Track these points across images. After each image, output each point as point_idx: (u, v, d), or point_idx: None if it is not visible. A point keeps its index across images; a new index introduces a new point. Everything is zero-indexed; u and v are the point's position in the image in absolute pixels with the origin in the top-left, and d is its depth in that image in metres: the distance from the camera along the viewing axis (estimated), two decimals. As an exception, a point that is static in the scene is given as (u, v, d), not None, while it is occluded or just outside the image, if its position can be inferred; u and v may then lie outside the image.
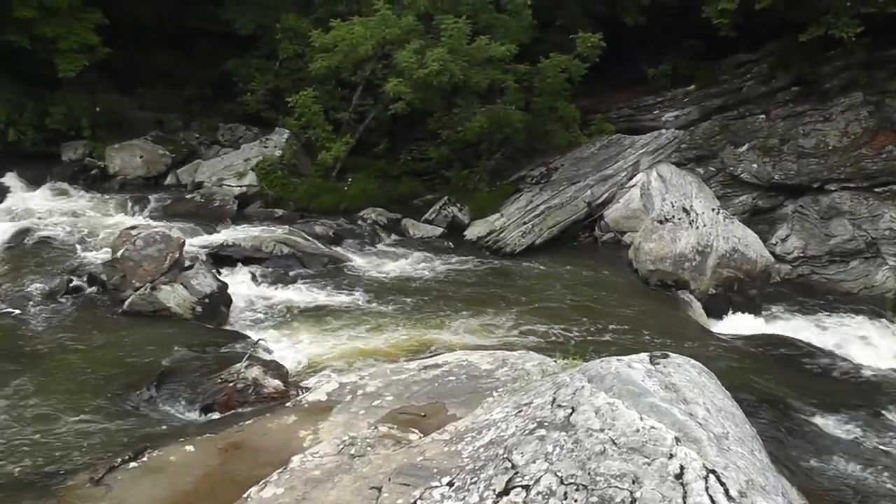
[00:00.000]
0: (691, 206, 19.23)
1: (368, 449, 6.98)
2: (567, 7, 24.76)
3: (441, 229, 21.11)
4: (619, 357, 6.73)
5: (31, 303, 14.68)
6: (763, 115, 21.96)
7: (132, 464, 8.19)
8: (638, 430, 5.70)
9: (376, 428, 7.64)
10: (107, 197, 22.04)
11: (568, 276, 18.54)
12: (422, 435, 7.38)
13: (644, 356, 6.73)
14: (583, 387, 6.30)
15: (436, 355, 10.89)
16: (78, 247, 17.81)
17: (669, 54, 24.09)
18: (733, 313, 17.51)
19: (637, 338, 14.78)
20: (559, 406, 6.21)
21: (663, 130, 22.46)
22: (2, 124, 23.95)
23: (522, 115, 21.71)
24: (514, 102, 21.80)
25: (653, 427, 5.70)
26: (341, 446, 7.06)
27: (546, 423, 6.06)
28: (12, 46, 22.71)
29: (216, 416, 10.49)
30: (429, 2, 21.68)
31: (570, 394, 6.30)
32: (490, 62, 21.32)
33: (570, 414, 6.05)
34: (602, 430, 5.77)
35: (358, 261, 18.66)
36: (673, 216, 18.92)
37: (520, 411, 6.48)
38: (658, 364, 6.56)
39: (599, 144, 22.44)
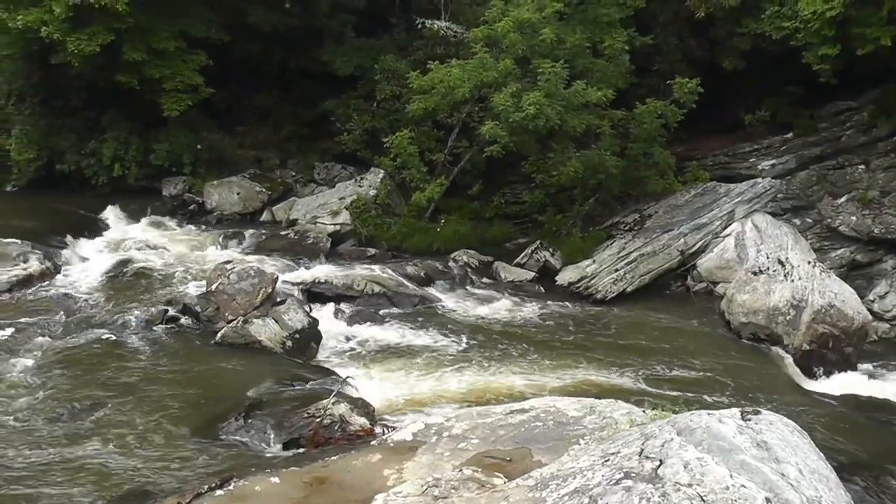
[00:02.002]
0: (787, 258, 18.73)
1: (452, 491, 6.95)
2: (666, 52, 24.70)
3: (532, 273, 21.02)
4: (709, 411, 6.62)
5: (128, 330, 15.08)
6: (863, 166, 21.51)
7: (218, 491, 8.31)
8: (727, 488, 5.58)
9: (461, 470, 7.61)
10: (203, 231, 22.62)
11: (659, 325, 18.27)
12: (506, 480, 7.32)
13: (735, 411, 6.60)
14: (672, 439, 6.20)
15: (523, 400, 10.83)
16: (174, 278, 18.20)
17: (767, 100, 23.78)
18: (828, 371, 16.94)
19: (727, 391, 14.43)
20: (647, 457, 6.11)
21: (759, 179, 22.04)
22: (108, 160, 24.97)
23: (617, 161, 21.57)
24: (609, 148, 21.70)
25: (743, 485, 5.58)
26: (425, 487, 7.05)
27: (633, 474, 5.96)
28: (121, 87, 23.56)
29: (301, 450, 10.59)
30: (527, 46, 21.74)
31: (658, 446, 6.20)
32: (586, 107, 21.28)
33: (658, 466, 5.95)
34: (690, 486, 5.66)
35: (448, 302, 18.68)
36: (768, 268, 18.46)
37: (606, 460, 6.39)
38: (749, 420, 6.43)
39: (694, 192, 22.16)
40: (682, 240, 20.80)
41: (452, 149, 23.62)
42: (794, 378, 16.47)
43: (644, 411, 8.70)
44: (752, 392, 14.57)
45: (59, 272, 18.27)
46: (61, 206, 23.70)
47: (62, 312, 15.98)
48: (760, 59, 23.06)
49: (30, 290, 17.14)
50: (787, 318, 17.35)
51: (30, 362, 13.59)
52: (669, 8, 25.05)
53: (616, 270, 20.28)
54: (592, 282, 20.16)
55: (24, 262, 17.92)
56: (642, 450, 6.26)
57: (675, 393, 13.87)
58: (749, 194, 21.43)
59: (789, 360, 17.01)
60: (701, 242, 20.80)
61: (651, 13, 24.94)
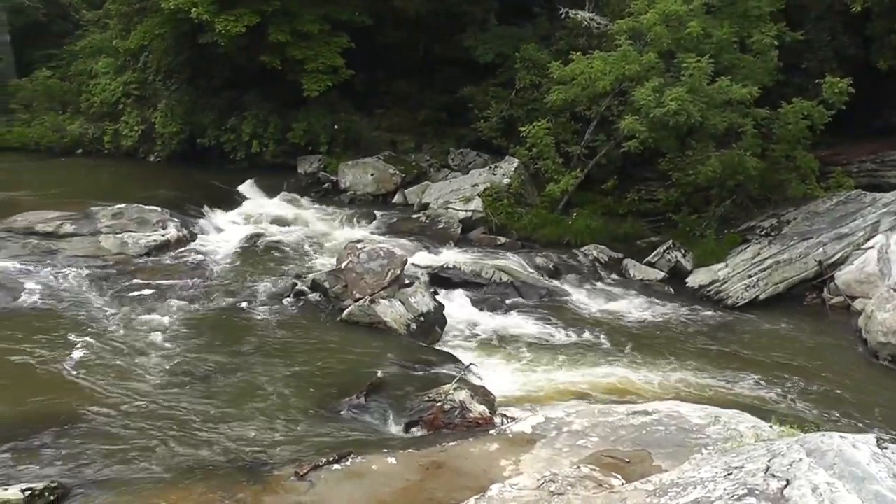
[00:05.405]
0: (933, 279, 17.81)
1: (569, 488, 6.83)
2: (817, 49, 23.71)
3: (662, 273, 20.50)
4: (842, 434, 6.31)
5: (257, 301, 15.62)
6: None
7: (335, 465, 8.45)
8: (858, 519, 5.32)
9: (579, 468, 7.50)
10: (336, 210, 23.04)
11: (790, 337, 17.60)
12: (624, 481, 7.19)
13: (871, 437, 6.28)
14: (801, 459, 5.96)
15: (645, 401, 10.63)
16: (304, 254, 18.64)
17: (923, 105, 22.75)
18: (974, 406, 16.04)
19: (859, 415, 13.70)
20: (773, 476, 5.88)
21: (909, 190, 20.96)
22: (247, 136, 25.87)
23: (758, 162, 20.80)
24: (750, 148, 20.94)
25: (875, 518, 5.31)
26: (542, 482, 6.94)
27: (757, 492, 5.74)
28: (264, 67, 24.22)
29: (420, 433, 10.62)
30: (672, 39, 21.23)
31: (786, 465, 5.96)
32: (729, 104, 20.59)
33: (785, 486, 5.71)
34: (817, 511, 5.41)
35: (575, 296, 18.43)
36: (912, 287, 17.59)
37: (729, 474, 6.18)
38: (886, 449, 6.09)
39: (837, 199, 21.16)
40: (821, 249, 19.94)
41: (589, 142, 23.31)
42: (936, 410, 15.69)
43: (770, 426, 8.45)
44: (885, 418, 13.85)
45: (194, 240, 18.96)
46: (200, 178, 24.59)
47: (196, 278, 16.62)
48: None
49: (166, 256, 17.96)
50: (930, 342, 16.51)
51: (164, 323, 14.18)
52: (823, 2, 24.07)
53: (749, 276, 19.63)
54: (724, 286, 19.57)
55: (163, 228, 18.67)
56: (768, 467, 6.03)
57: (802, 410, 13.36)
58: (896, 205, 20.44)
59: (929, 388, 16.19)
60: (841, 253, 19.83)
61: (803, 7, 23.99)
